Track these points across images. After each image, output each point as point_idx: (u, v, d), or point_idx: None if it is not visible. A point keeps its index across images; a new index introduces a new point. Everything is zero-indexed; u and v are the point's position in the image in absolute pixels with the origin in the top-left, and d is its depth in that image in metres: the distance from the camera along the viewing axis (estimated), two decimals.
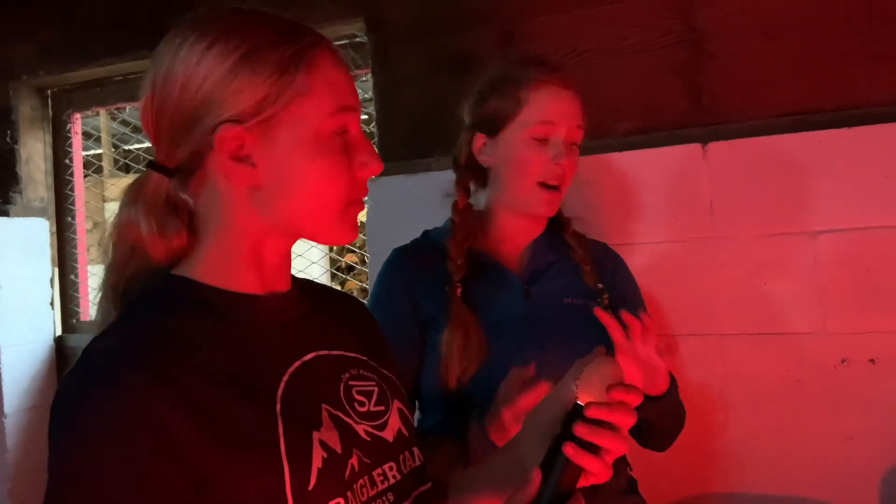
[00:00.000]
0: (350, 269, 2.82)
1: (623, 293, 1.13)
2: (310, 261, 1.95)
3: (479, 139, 1.09)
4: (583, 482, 0.63)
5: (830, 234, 1.34)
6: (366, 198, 0.69)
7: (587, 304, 1.06)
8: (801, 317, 1.36)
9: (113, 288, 0.67)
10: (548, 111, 1.03)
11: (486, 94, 1.08)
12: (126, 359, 0.57)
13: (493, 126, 1.07)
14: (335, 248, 3.18)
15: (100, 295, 0.68)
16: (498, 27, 1.57)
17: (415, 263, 1.10)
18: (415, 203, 1.33)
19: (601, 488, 1.01)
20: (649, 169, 1.45)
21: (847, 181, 1.33)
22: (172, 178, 0.66)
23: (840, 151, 1.33)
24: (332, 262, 3.15)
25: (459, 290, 1.03)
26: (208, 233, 0.67)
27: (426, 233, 1.16)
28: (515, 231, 1.11)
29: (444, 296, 1.04)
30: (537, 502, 0.60)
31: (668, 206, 1.44)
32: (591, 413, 0.62)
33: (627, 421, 0.64)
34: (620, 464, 1.11)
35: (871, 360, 1.32)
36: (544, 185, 1.04)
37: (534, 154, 1.03)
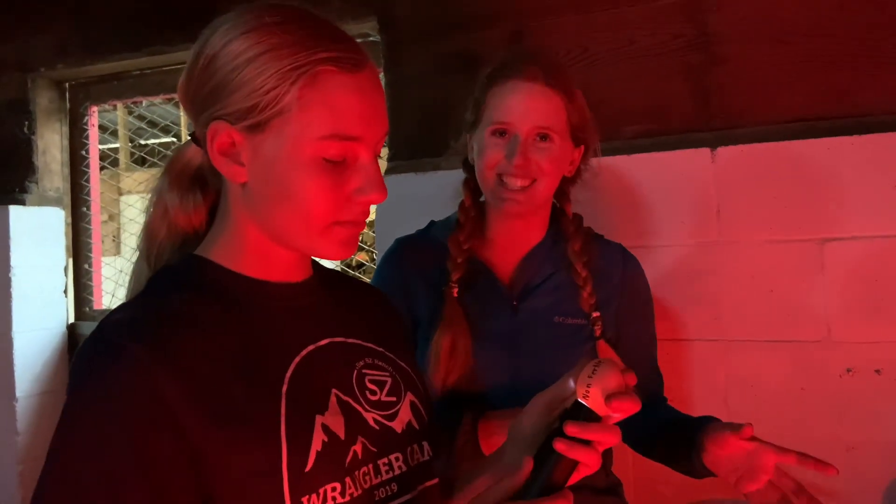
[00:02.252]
0: (360, 266, 2.84)
1: (627, 306, 1.10)
2: None
3: (468, 138, 1.09)
4: (575, 476, 0.64)
5: (838, 241, 1.33)
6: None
7: (578, 323, 1.04)
8: (806, 325, 1.35)
9: (147, 249, 0.70)
10: (502, 110, 1.00)
11: (473, 92, 1.07)
12: (134, 332, 0.59)
13: (472, 125, 1.07)
14: None
15: (136, 254, 0.71)
16: (508, 27, 1.58)
17: (414, 258, 1.10)
18: (423, 202, 1.34)
19: (575, 487, 1.02)
20: (657, 172, 1.44)
21: (855, 189, 1.32)
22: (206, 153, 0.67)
23: (849, 159, 1.32)
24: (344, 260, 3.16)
25: (456, 291, 1.03)
26: (222, 216, 0.69)
27: (431, 224, 1.15)
28: (510, 236, 1.08)
29: (438, 295, 1.03)
30: (527, 490, 0.61)
31: (675, 210, 1.43)
32: (605, 409, 0.63)
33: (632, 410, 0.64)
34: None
35: (877, 371, 1.31)
36: (506, 185, 1.00)
37: (492, 149, 1.01)
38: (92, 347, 0.60)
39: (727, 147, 1.40)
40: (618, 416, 0.64)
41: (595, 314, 1.04)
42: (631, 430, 0.67)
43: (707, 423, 0.97)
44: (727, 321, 1.40)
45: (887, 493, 1.30)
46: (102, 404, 0.57)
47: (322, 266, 0.79)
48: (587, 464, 0.63)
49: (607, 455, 1.14)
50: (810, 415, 1.34)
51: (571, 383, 0.65)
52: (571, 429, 0.62)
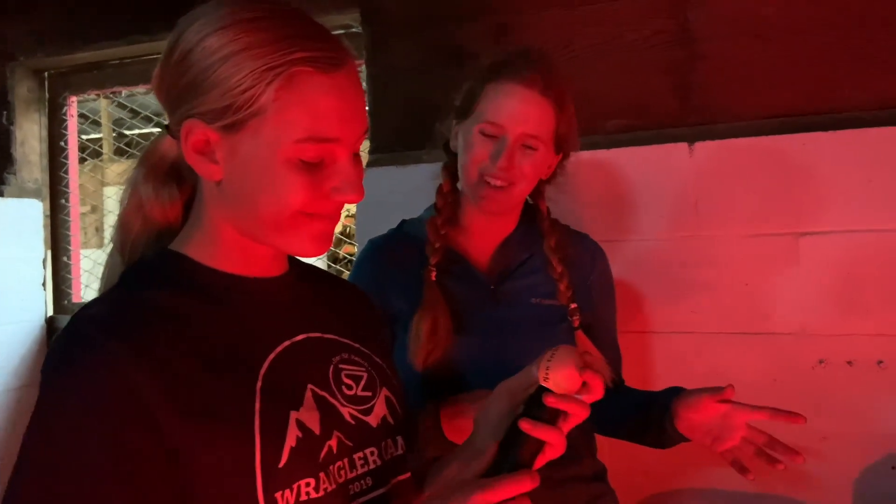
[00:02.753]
0: (345, 259, 2.84)
1: (595, 291, 1.13)
2: None
3: (454, 123, 1.09)
4: (541, 459, 0.66)
5: (813, 236, 1.35)
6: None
7: (554, 304, 1.07)
8: (780, 317, 1.37)
9: (122, 241, 0.69)
10: (496, 111, 1.01)
11: (467, 80, 1.07)
12: (108, 327, 0.59)
13: (461, 113, 1.07)
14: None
15: (110, 247, 0.70)
16: (492, 21, 1.58)
17: (390, 257, 1.11)
18: (405, 195, 1.34)
19: (567, 478, 1.04)
20: (636, 167, 1.46)
21: (831, 184, 1.34)
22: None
23: (825, 154, 1.34)
24: (331, 254, 3.16)
25: (434, 274, 1.05)
26: (197, 211, 0.69)
27: (402, 223, 1.17)
28: (484, 227, 1.10)
29: (414, 289, 1.05)
30: (494, 473, 0.62)
31: (653, 204, 1.45)
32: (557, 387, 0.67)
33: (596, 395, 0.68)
34: (586, 453, 1.13)
35: (849, 362, 1.33)
36: (486, 184, 1.02)
37: (479, 147, 1.02)
38: (65, 342, 0.59)
39: (705, 142, 1.41)
40: (579, 398, 0.68)
41: (573, 305, 1.07)
42: (599, 411, 0.70)
43: (676, 392, 1.01)
44: (703, 314, 1.42)
45: (858, 481, 1.33)
46: (77, 400, 0.56)
47: (300, 261, 0.78)
48: (552, 443, 0.65)
49: (591, 440, 1.16)
50: (783, 406, 1.35)
51: (534, 370, 0.69)
52: (551, 399, 0.65)
